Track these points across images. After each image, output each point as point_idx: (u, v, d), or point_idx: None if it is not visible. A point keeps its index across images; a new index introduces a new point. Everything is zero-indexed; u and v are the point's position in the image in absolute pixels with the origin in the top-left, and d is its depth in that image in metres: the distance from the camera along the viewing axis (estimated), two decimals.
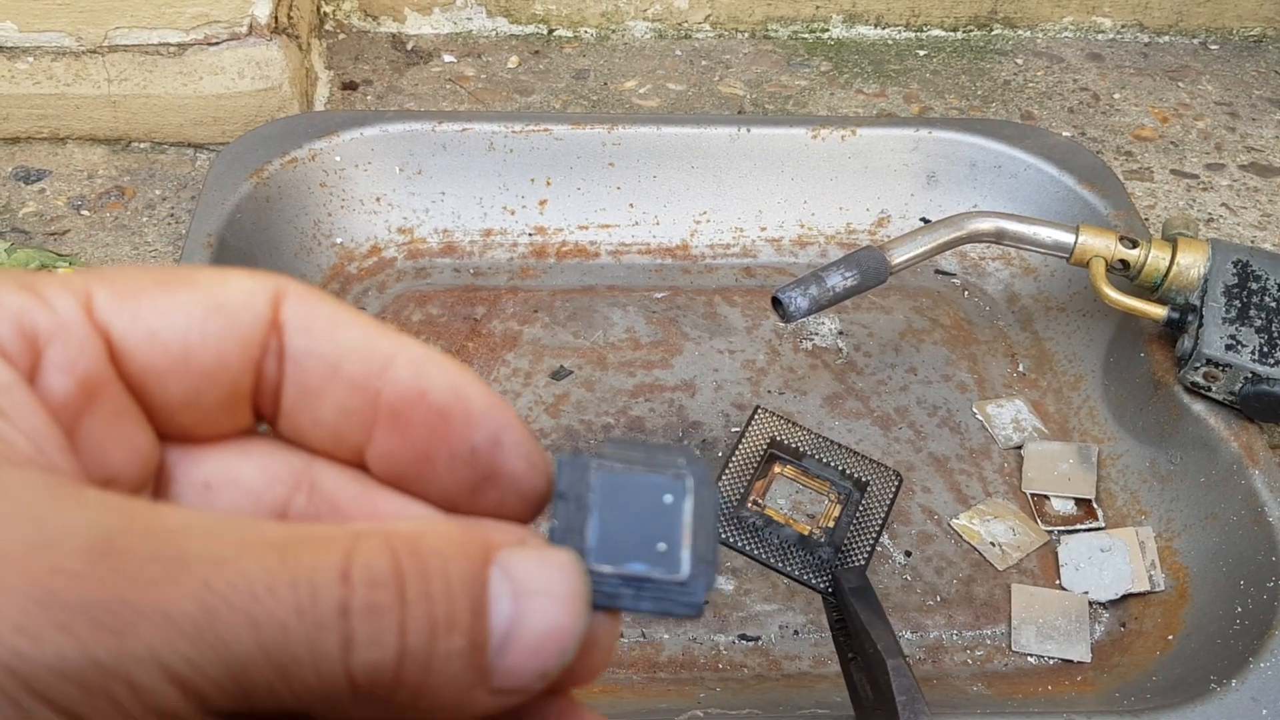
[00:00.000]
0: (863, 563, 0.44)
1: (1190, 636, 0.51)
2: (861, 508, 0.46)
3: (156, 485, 0.17)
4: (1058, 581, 0.55)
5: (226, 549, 0.13)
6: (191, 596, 0.13)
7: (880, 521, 0.46)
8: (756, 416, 0.48)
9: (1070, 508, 0.58)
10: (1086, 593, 0.54)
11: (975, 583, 0.55)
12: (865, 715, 0.41)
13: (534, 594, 0.15)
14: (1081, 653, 0.52)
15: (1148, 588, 0.54)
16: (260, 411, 0.17)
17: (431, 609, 0.14)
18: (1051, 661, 0.52)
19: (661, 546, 0.17)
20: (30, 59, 0.68)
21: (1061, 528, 0.57)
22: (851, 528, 0.45)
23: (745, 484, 0.47)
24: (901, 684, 0.37)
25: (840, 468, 0.47)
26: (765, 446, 0.48)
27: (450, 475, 0.17)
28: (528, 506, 0.17)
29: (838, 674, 0.52)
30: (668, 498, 0.17)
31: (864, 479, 0.47)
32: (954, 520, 0.57)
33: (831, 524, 0.46)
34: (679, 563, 0.17)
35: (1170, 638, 0.52)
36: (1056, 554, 0.56)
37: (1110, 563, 0.55)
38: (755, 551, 0.44)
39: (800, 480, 0.47)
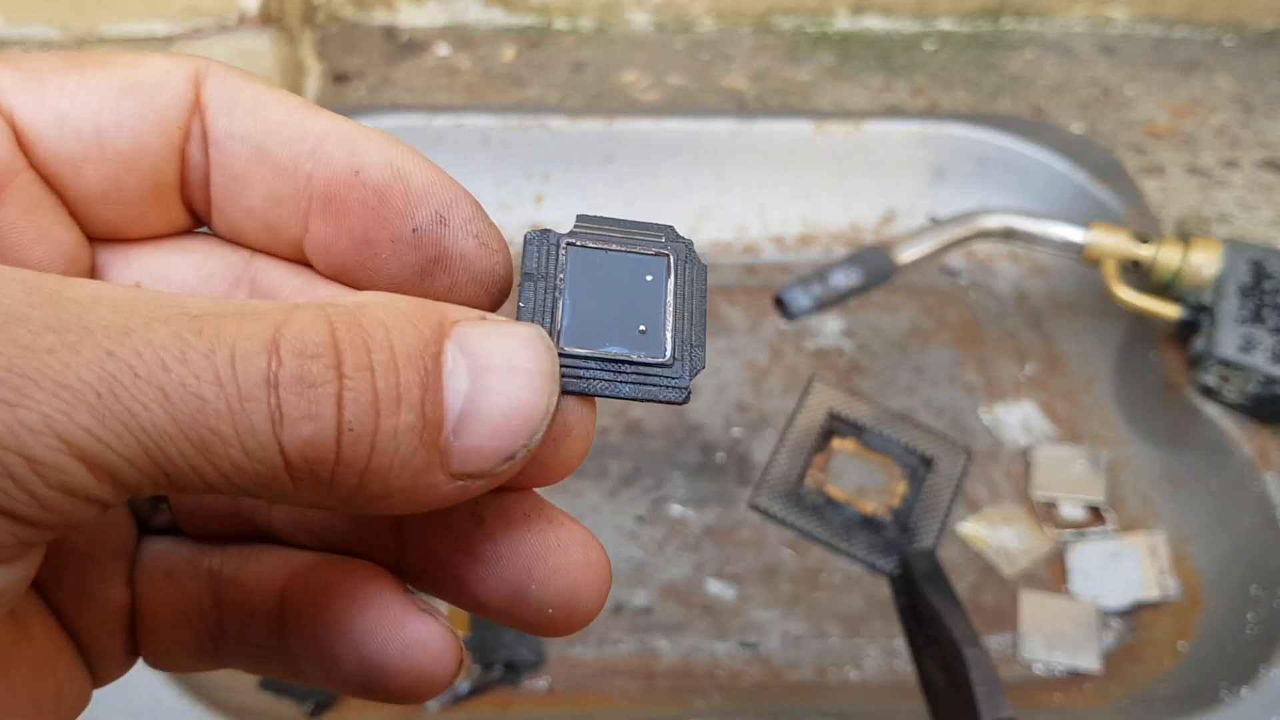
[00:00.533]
0: (932, 544, 0.41)
1: (1201, 644, 0.50)
2: (929, 485, 0.43)
3: None
4: (1067, 589, 0.54)
5: (135, 319, 0.12)
6: (92, 365, 0.12)
7: (949, 500, 0.43)
8: (813, 388, 0.45)
9: (1080, 513, 0.57)
10: (1096, 600, 0.53)
11: (982, 590, 0.54)
12: (939, 705, 0.39)
13: (495, 369, 0.14)
14: (1091, 661, 0.51)
15: (1159, 595, 0.53)
16: (193, 207, 0.16)
17: (373, 381, 0.13)
18: (1060, 670, 0.51)
19: (641, 328, 0.15)
20: (17, 50, 0.67)
21: (1071, 533, 0.56)
22: (919, 506, 0.42)
23: (804, 459, 0.44)
24: (981, 674, 0.35)
25: (905, 442, 0.44)
26: (823, 419, 0.45)
27: (395, 260, 0.16)
28: (486, 291, 0.16)
29: (841, 683, 0.51)
30: (648, 276, 0.16)
31: (930, 454, 0.44)
32: (961, 525, 0.56)
33: (897, 503, 0.43)
34: (662, 345, 0.15)
35: (1181, 646, 0.51)
36: (1065, 560, 0.55)
37: (1121, 569, 0.54)
38: (816, 532, 0.42)
39: (862, 455, 0.44)
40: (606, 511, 0.56)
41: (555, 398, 0.14)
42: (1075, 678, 0.51)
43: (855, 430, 0.44)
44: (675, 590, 0.53)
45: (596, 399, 0.16)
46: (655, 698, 0.49)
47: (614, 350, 0.15)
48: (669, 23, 0.84)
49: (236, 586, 0.16)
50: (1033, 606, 0.53)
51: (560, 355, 0.15)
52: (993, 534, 0.56)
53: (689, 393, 0.16)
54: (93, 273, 0.16)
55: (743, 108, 0.76)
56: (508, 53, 0.81)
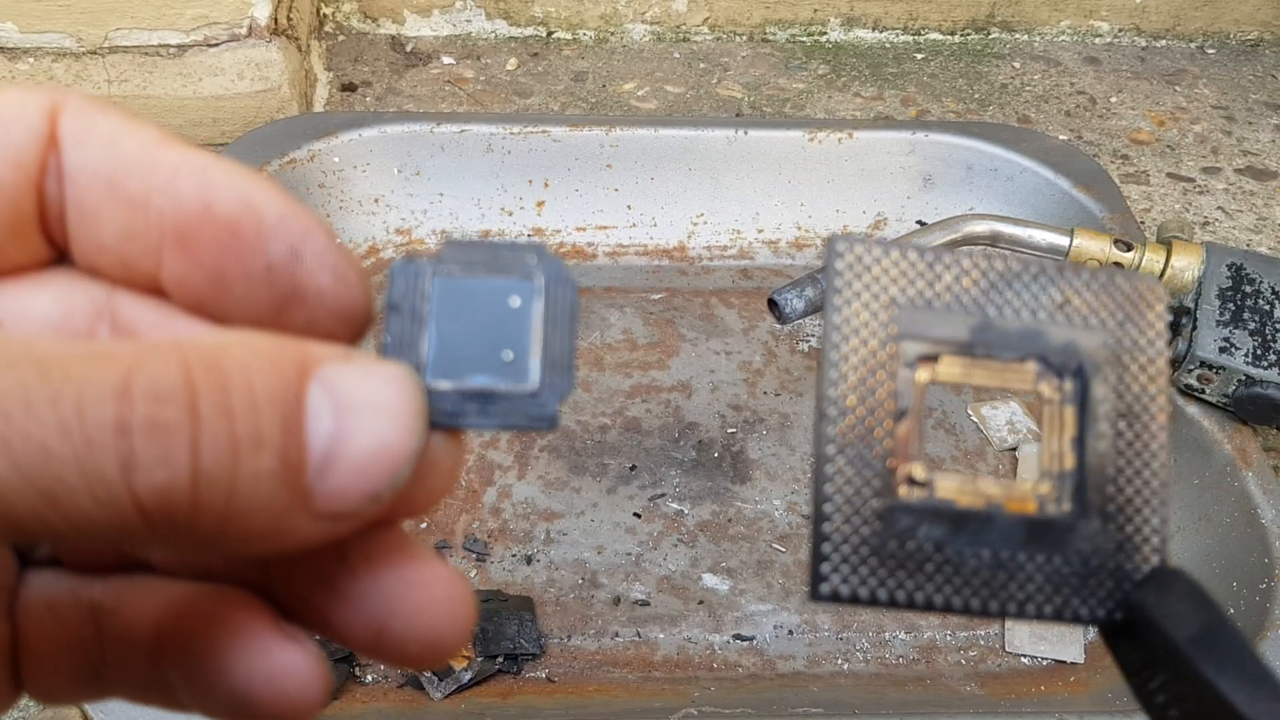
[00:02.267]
0: (1159, 552, 0.18)
1: None
2: (1125, 399, 0.18)
3: None
4: None
5: None
6: None
7: (1162, 415, 0.18)
8: (844, 260, 0.17)
9: None
10: None
11: None
12: None
13: (359, 409, 0.14)
14: (1074, 653, 0.52)
15: None
16: (54, 240, 0.16)
17: (232, 425, 0.12)
18: (1045, 662, 0.53)
19: (507, 355, 0.15)
20: (31, 60, 0.69)
21: None
22: (1115, 453, 0.18)
23: (879, 439, 0.17)
24: None
25: (1037, 318, 0.18)
26: (888, 329, 0.17)
27: (250, 296, 0.15)
28: (346, 326, 0.16)
29: (832, 674, 0.52)
30: (514, 300, 0.15)
31: (1100, 322, 0.18)
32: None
33: (1070, 462, 0.18)
34: (527, 372, 0.15)
35: None
36: None
37: None
38: (955, 599, 0.17)
39: (979, 378, 0.18)
40: (605, 507, 0.57)
41: (423, 435, 0.14)
42: (1059, 668, 0.52)
43: (950, 333, 0.18)
44: (672, 584, 0.55)
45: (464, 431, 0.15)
46: (652, 688, 0.51)
47: (480, 381, 0.15)
48: (667, 34, 0.86)
49: (116, 617, 0.16)
50: None
51: (427, 390, 0.15)
52: None
53: (556, 419, 0.15)
54: None
55: (738, 116, 0.78)
56: (510, 63, 0.83)
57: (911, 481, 0.17)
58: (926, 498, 0.17)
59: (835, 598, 0.17)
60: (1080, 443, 0.17)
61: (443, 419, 0.15)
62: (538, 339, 0.15)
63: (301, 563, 0.16)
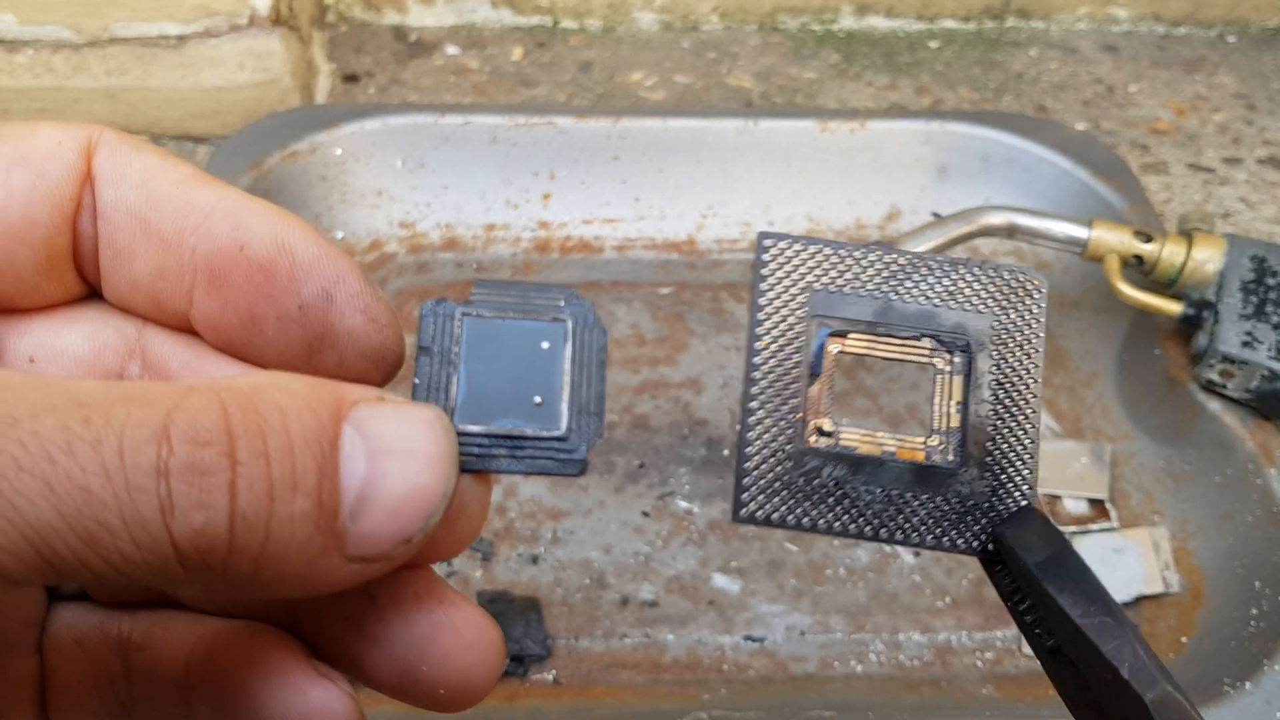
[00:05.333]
0: (1029, 493, 0.22)
1: (1204, 639, 0.51)
2: (999, 366, 0.22)
3: None
4: None
5: (21, 408, 0.12)
6: None
7: (1035, 384, 0.22)
8: (770, 253, 0.22)
9: (1083, 508, 0.57)
10: None
11: (986, 583, 0.54)
12: None
13: (392, 452, 0.14)
14: None
15: (1161, 589, 0.53)
16: (86, 275, 0.16)
17: (268, 469, 0.13)
18: None
19: (537, 399, 0.15)
20: (30, 51, 0.68)
21: (1074, 528, 0.56)
22: (996, 414, 0.22)
23: (792, 396, 0.22)
24: None
25: (932, 303, 0.22)
26: (804, 309, 0.22)
27: (282, 336, 0.15)
28: (376, 367, 0.16)
29: (845, 676, 0.51)
30: (544, 344, 0.16)
31: (985, 304, 0.22)
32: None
33: (955, 422, 0.22)
34: (557, 417, 0.15)
35: (1184, 640, 0.51)
36: None
37: (1123, 564, 0.54)
38: (850, 527, 0.22)
39: (880, 349, 0.23)
40: (613, 506, 0.56)
41: (454, 480, 0.14)
42: None
43: (858, 313, 0.22)
44: (681, 584, 0.54)
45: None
46: (661, 690, 0.50)
47: (510, 425, 0.15)
48: (675, 22, 0.85)
49: (145, 652, 0.16)
50: None
51: (457, 433, 0.15)
52: None
53: (586, 465, 0.15)
54: None
55: (748, 106, 0.77)
56: (515, 52, 0.81)
57: (820, 432, 0.21)
58: (832, 445, 0.21)
59: (752, 520, 0.21)
60: (964, 406, 0.22)
61: (472, 462, 0.15)
62: (567, 383, 0.15)
63: (330, 603, 0.16)
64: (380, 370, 0.16)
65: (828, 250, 0.21)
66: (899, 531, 0.22)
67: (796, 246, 0.21)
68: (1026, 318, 0.22)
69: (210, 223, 0.15)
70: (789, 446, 0.21)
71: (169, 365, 0.16)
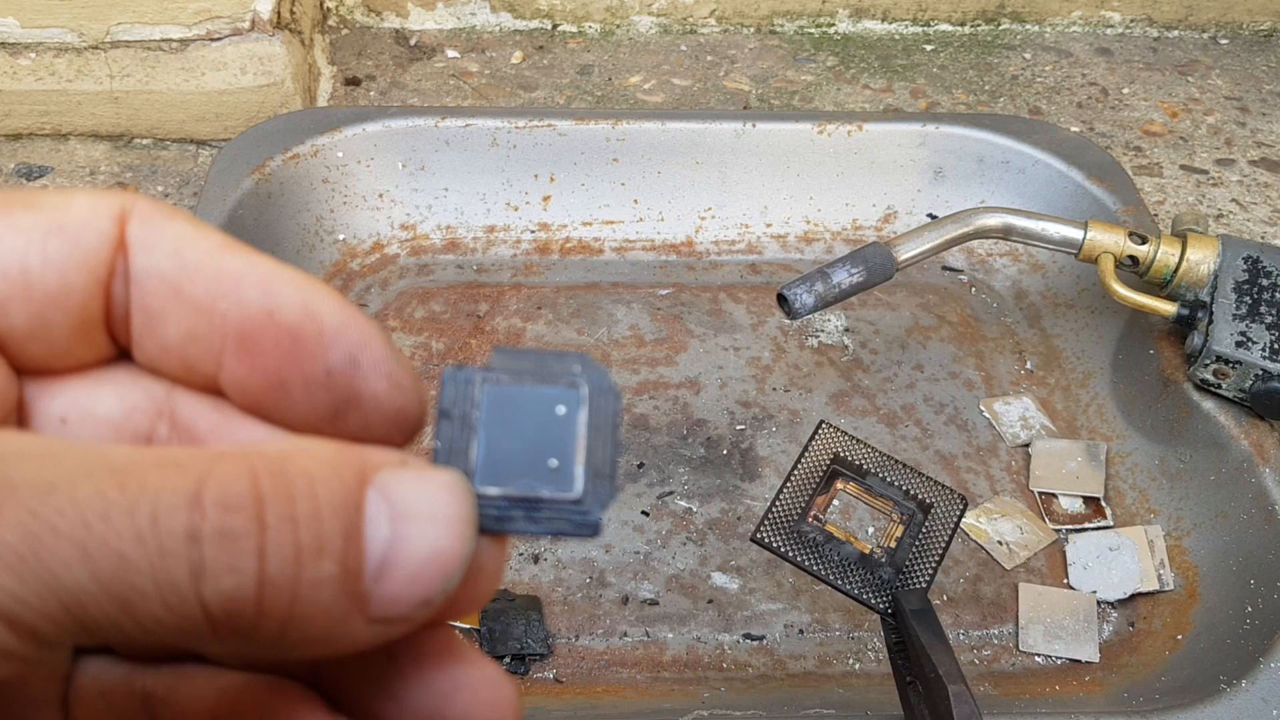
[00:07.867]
0: (925, 584, 0.43)
1: (1200, 636, 0.51)
2: (925, 529, 0.45)
3: (17, 424, 0.16)
4: (1066, 581, 0.55)
5: (59, 474, 0.12)
6: (14, 525, 0.12)
7: (944, 545, 0.44)
8: (821, 432, 0.47)
9: (1078, 506, 0.58)
10: (1095, 592, 0.54)
11: (982, 582, 0.55)
12: None
13: (415, 517, 0.14)
14: (1090, 653, 0.52)
15: (1157, 587, 0.54)
16: (116, 337, 0.16)
17: (296, 533, 0.13)
18: (1059, 661, 0.52)
19: (553, 463, 0.16)
20: (33, 55, 0.68)
21: (1069, 526, 0.57)
22: (914, 549, 0.44)
23: (806, 498, 0.45)
24: (963, 710, 0.36)
25: (904, 488, 0.46)
26: (828, 462, 0.46)
27: (308, 400, 0.16)
28: (398, 430, 0.16)
29: (843, 673, 0.51)
30: (560, 409, 0.16)
31: (928, 500, 0.46)
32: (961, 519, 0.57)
33: (893, 544, 0.44)
34: (572, 480, 0.16)
35: (1179, 637, 0.52)
36: (1064, 553, 0.56)
37: (1119, 562, 0.55)
38: (814, 567, 0.43)
39: (863, 498, 0.46)
40: (612, 505, 0.57)
41: (473, 543, 0.15)
42: (1074, 668, 0.52)
43: (858, 474, 0.46)
44: (681, 582, 0.54)
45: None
46: (661, 688, 0.50)
47: (526, 488, 0.16)
48: (673, 26, 0.85)
49: (169, 706, 0.16)
50: (1032, 598, 0.54)
51: (476, 496, 0.15)
52: (993, 527, 0.57)
53: (600, 527, 0.16)
54: (20, 407, 0.16)
55: (746, 109, 0.77)
56: (515, 56, 0.82)
57: (815, 518, 0.45)
58: (819, 526, 0.44)
59: (761, 543, 0.43)
60: (900, 540, 0.44)
61: (490, 524, 0.16)
62: (582, 447, 0.16)
63: (351, 659, 0.16)
64: (402, 432, 0.16)
65: (854, 442, 0.46)
66: (841, 580, 0.43)
67: (837, 434, 0.46)
68: (952, 512, 0.45)
69: (241, 289, 0.15)
70: (796, 517, 0.45)
71: (197, 427, 0.16)
